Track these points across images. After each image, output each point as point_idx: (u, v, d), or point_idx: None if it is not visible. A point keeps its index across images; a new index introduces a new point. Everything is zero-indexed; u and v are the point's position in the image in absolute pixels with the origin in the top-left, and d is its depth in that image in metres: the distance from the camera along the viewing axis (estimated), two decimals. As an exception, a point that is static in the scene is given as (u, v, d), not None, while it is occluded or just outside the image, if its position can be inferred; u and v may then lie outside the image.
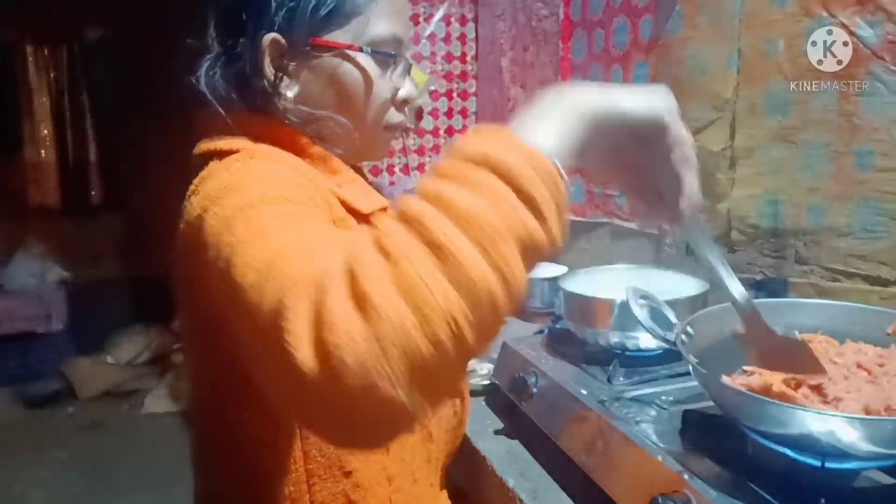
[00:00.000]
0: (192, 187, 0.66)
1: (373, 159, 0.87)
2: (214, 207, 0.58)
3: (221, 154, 0.68)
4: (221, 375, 0.66)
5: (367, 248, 0.43)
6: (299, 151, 0.71)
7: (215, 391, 0.69)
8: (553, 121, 0.50)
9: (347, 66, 0.72)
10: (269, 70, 0.70)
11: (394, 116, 0.78)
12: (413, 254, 0.41)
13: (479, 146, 0.46)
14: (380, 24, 0.72)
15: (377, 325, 0.40)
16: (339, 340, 0.40)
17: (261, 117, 0.71)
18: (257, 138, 0.69)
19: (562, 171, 0.47)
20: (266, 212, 0.55)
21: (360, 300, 0.41)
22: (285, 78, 0.71)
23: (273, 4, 0.69)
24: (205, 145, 0.70)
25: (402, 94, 0.77)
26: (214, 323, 0.59)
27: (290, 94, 0.71)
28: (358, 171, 0.83)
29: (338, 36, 0.71)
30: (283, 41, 0.70)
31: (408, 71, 0.79)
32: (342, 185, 0.73)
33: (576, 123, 0.50)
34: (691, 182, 0.57)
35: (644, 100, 0.53)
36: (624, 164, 0.57)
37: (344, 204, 0.70)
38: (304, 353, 0.41)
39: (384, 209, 0.75)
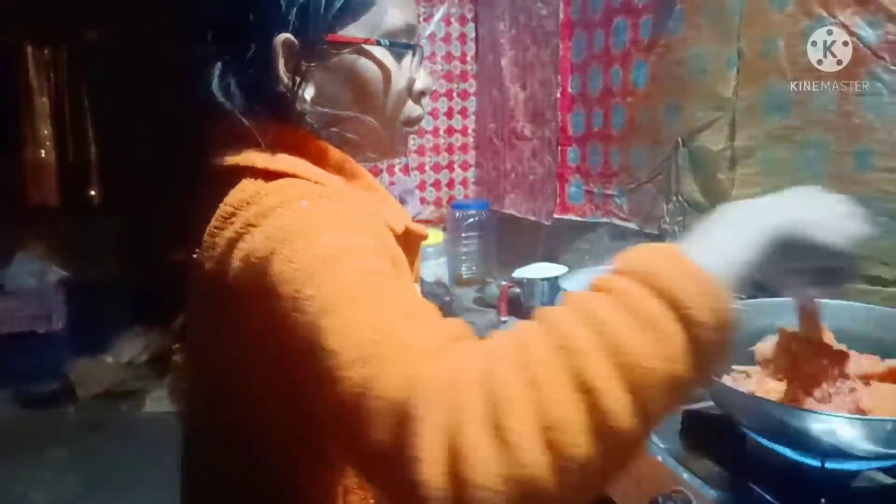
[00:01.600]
0: (229, 209, 0.59)
1: (394, 157, 0.83)
2: (284, 251, 0.52)
3: (259, 173, 0.61)
4: (274, 410, 0.59)
5: (510, 368, 0.40)
6: (319, 157, 0.66)
7: (260, 423, 0.61)
8: (736, 244, 0.45)
9: (365, 62, 0.67)
10: (284, 73, 0.64)
11: (413, 110, 0.74)
12: (560, 390, 0.38)
13: (661, 270, 0.41)
14: (394, 14, 0.68)
15: (511, 468, 0.37)
16: (472, 477, 0.37)
17: (277, 123, 0.65)
18: (274, 145, 0.63)
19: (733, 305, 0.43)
20: (354, 268, 0.51)
21: (499, 432, 0.38)
22: (301, 80, 0.65)
23: (283, 2, 0.63)
24: (235, 159, 0.63)
25: (418, 85, 0.74)
26: (271, 362, 0.55)
27: (307, 96, 0.66)
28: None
29: (353, 30, 0.66)
30: (296, 41, 0.64)
31: (422, 60, 0.75)
32: (369, 197, 0.68)
33: (759, 246, 0.46)
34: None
35: (839, 231, 0.49)
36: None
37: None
38: (433, 476, 0.38)
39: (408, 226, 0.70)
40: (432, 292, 1.44)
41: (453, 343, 0.45)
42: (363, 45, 0.67)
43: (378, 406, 0.42)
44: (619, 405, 0.38)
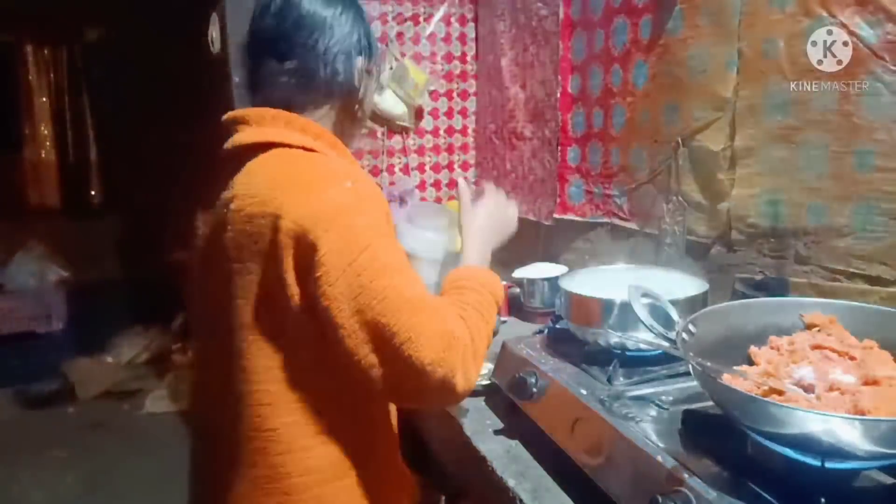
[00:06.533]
0: (260, 170, 0.88)
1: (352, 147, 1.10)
2: (343, 221, 0.81)
3: (293, 147, 0.90)
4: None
5: (463, 328, 0.85)
6: (332, 142, 0.95)
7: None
8: (484, 253, 1.04)
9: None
10: (357, 82, 0.99)
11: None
12: (479, 337, 0.87)
13: (481, 277, 0.96)
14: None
15: (474, 374, 0.85)
16: (468, 383, 0.83)
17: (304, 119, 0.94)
18: (306, 133, 0.92)
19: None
20: (389, 244, 0.84)
21: (471, 361, 0.84)
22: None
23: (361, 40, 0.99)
24: (268, 137, 0.90)
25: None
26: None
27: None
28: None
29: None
30: (367, 64, 1.00)
31: None
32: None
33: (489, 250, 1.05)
34: None
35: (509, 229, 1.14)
36: None
37: None
38: (456, 381, 0.81)
39: None
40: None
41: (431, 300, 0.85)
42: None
43: (426, 349, 0.79)
44: (489, 334, 0.91)
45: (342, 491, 0.88)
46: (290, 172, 0.86)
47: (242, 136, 0.91)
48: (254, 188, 0.85)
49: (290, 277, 0.80)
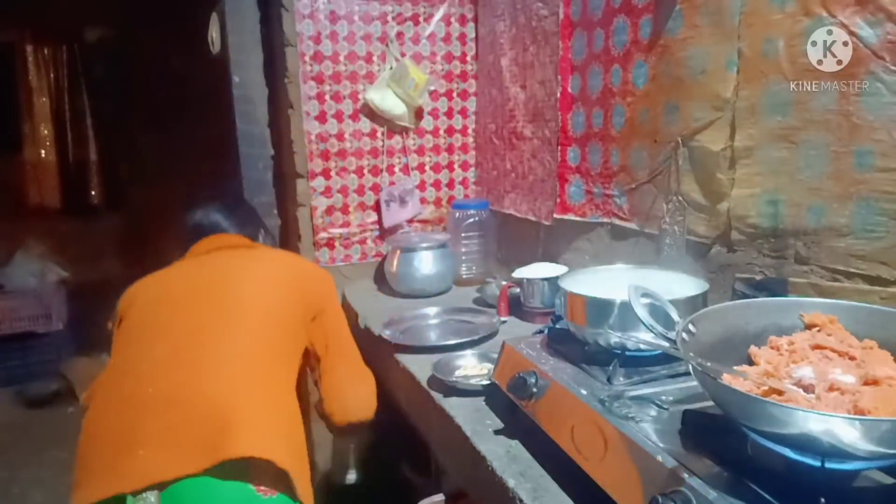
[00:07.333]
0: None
1: None
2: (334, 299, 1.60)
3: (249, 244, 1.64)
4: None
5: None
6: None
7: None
8: None
9: None
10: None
11: None
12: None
13: None
14: None
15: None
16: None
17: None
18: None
19: None
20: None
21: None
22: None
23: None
24: (238, 241, 1.62)
25: None
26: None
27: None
28: None
29: None
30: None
31: None
32: None
33: None
34: None
35: None
36: None
37: None
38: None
39: None
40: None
41: None
42: None
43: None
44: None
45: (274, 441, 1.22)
46: (285, 255, 1.64)
47: (226, 242, 1.56)
48: (271, 262, 1.52)
49: (306, 324, 1.47)
